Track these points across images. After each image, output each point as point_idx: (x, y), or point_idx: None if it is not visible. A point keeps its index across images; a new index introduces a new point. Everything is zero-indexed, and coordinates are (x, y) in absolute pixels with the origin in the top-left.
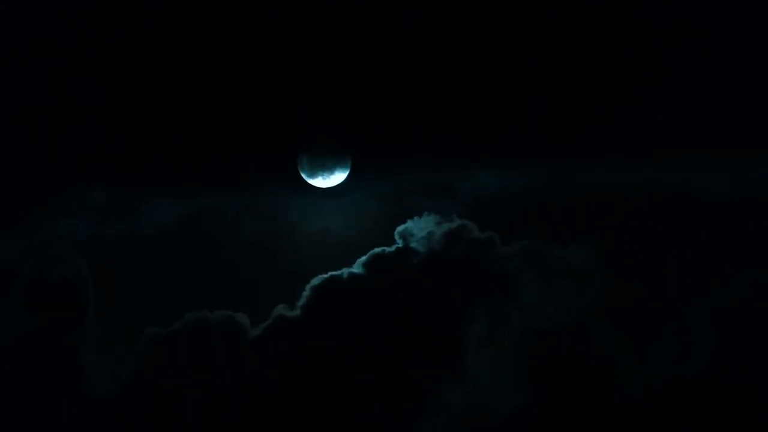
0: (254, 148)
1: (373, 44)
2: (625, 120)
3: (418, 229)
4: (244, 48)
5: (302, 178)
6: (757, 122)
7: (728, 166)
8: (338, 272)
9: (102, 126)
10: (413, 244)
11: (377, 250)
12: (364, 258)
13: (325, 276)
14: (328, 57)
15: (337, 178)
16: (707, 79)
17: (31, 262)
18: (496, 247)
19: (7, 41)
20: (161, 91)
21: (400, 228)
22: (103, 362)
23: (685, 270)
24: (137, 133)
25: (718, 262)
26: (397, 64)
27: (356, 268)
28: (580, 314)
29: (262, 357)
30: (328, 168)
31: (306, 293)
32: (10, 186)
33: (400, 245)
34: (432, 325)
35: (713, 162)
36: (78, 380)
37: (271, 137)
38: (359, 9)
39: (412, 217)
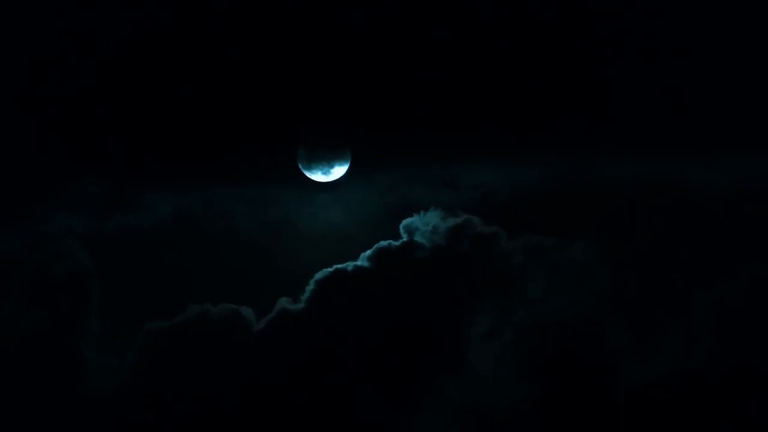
0: (254, 142)
1: (374, 36)
2: (627, 117)
3: (423, 223)
4: (242, 42)
5: (302, 171)
6: (753, 117)
7: (728, 160)
8: (343, 266)
9: (100, 120)
10: (418, 238)
11: (383, 243)
12: (369, 252)
13: (330, 270)
14: (326, 49)
15: (337, 171)
16: (704, 77)
17: (32, 257)
18: (500, 241)
19: (8, 36)
20: (160, 84)
21: (405, 222)
22: (105, 357)
23: (687, 265)
24: (136, 126)
25: (720, 257)
26: (398, 57)
27: (361, 262)
28: (583, 309)
29: (267, 350)
30: (327, 161)
31: (310, 287)
32: (9, 181)
33: (405, 239)
34: (436, 319)
35: (713, 157)
36: (80, 375)
37: (271, 131)
38: (359, 1)
39: (412, 212)
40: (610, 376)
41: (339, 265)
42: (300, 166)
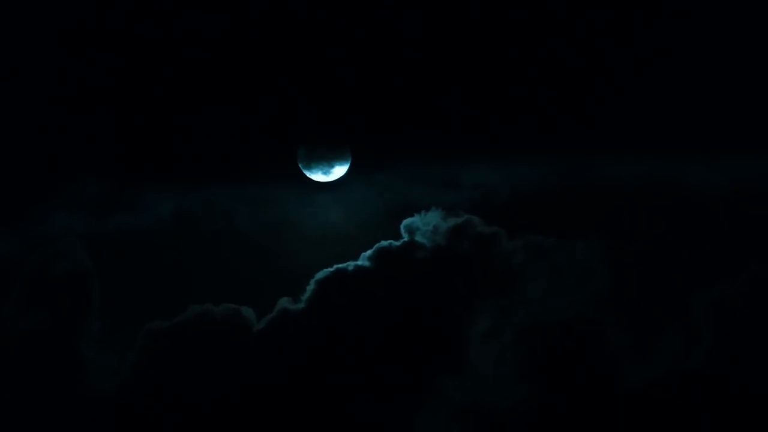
0: (254, 142)
1: (374, 35)
2: (627, 117)
3: (424, 223)
4: (243, 42)
5: (302, 172)
6: (753, 117)
7: (728, 160)
8: (344, 265)
9: (100, 119)
10: (419, 238)
11: (384, 243)
12: (369, 251)
13: (331, 269)
14: (326, 50)
15: (337, 171)
16: (704, 77)
17: (32, 257)
18: (501, 241)
19: (7, 36)
20: (160, 84)
21: (406, 222)
22: (105, 357)
23: (687, 265)
24: (136, 126)
25: (720, 257)
26: (399, 56)
27: (361, 262)
28: (584, 309)
29: (267, 350)
30: (327, 161)
31: (311, 287)
32: (9, 181)
33: (406, 239)
34: (436, 319)
35: (713, 157)
36: (80, 375)
37: (271, 131)
38: (359, 1)
39: (413, 212)
40: (610, 376)
41: (339, 265)
42: (300, 166)
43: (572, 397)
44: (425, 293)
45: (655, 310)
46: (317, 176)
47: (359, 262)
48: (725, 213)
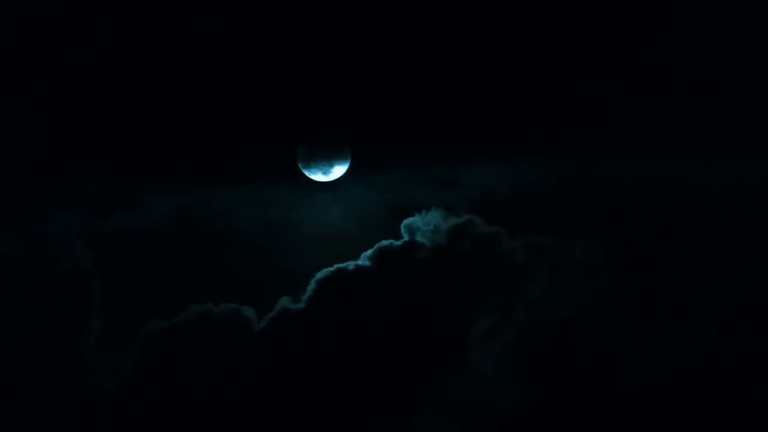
0: (254, 142)
1: (374, 36)
2: (627, 116)
3: (425, 223)
4: (242, 41)
5: (302, 172)
6: (753, 117)
7: (728, 160)
8: (344, 265)
9: (100, 119)
10: (419, 238)
11: (384, 243)
12: (370, 251)
13: (331, 269)
14: (326, 49)
15: (337, 171)
16: (704, 77)
17: (32, 257)
18: (501, 241)
19: (7, 36)
20: (160, 84)
21: (406, 221)
22: (105, 357)
23: (687, 265)
24: (136, 126)
25: (720, 257)
26: (399, 55)
27: (362, 261)
28: (584, 308)
29: (268, 350)
30: (327, 161)
31: (311, 286)
32: (9, 181)
33: (406, 239)
34: (436, 319)
35: (713, 157)
36: (80, 375)
37: (271, 131)
38: (359, 1)
39: (413, 211)
40: (610, 376)
41: (340, 265)
42: (300, 166)
43: (572, 397)
44: (426, 293)
45: (655, 310)
46: (317, 176)
47: (360, 262)
48: (725, 213)
